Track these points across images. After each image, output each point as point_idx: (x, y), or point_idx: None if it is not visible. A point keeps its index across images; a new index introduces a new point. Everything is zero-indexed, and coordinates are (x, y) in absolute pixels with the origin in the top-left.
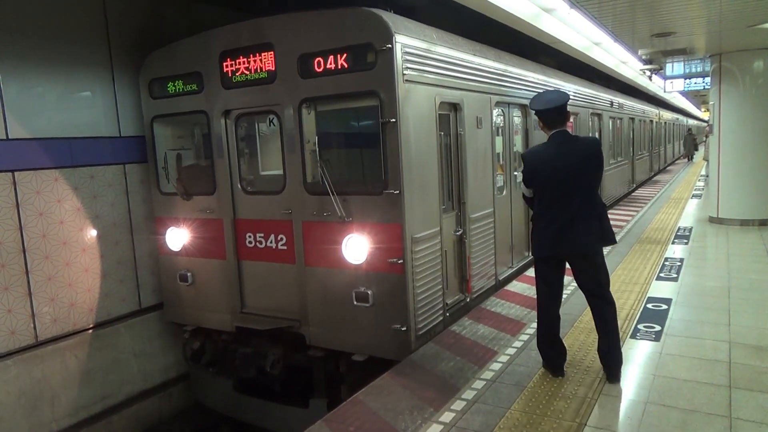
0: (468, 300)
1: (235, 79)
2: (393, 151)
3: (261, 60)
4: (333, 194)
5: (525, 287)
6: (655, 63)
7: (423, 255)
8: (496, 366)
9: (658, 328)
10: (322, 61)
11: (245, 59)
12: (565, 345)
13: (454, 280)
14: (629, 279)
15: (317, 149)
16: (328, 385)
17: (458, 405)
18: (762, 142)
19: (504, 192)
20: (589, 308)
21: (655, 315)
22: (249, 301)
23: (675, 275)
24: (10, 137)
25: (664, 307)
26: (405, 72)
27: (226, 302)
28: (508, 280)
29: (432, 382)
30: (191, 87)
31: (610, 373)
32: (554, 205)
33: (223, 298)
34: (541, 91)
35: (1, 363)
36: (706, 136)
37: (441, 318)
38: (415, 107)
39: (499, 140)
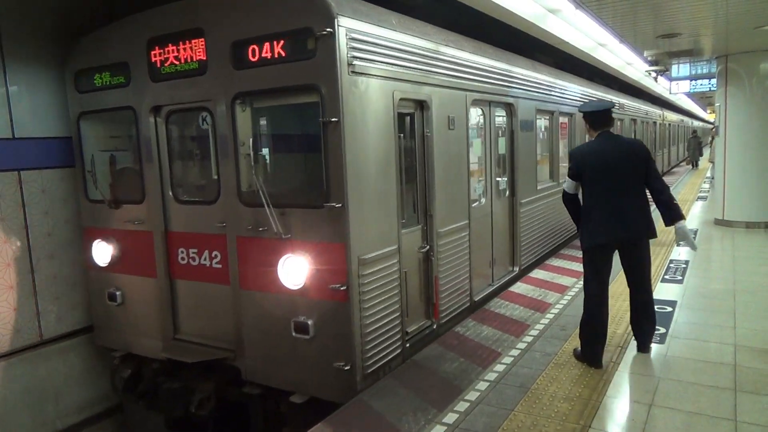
0: (435, 326)
1: (163, 70)
2: (335, 156)
3: (191, 48)
4: (268, 206)
5: (529, 288)
6: (661, 64)
7: (375, 279)
8: (499, 367)
9: (662, 330)
10: (257, 49)
11: (174, 47)
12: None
13: (417, 305)
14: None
15: (251, 153)
16: (268, 427)
17: (462, 406)
18: None
19: (483, 201)
20: None
21: (659, 317)
22: (184, 325)
23: (680, 277)
24: None
25: (669, 309)
26: (351, 62)
27: (158, 326)
28: (488, 298)
29: (435, 383)
30: (118, 79)
31: (645, 345)
32: (605, 196)
33: (155, 321)
34: (531, 88)
35: None
36: (712, 138)
37: (399, 350)
38: (366, 104)
39: (477, 143)
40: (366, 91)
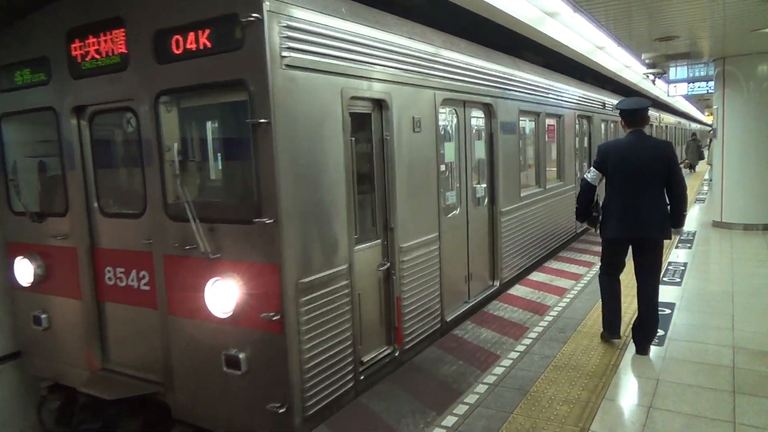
0: (398, 353)
1: (84, 65)
2: (266, 163)
3: (112, 40)
4: (194, 221)
5: (528, 291)
6: (659, 67)
7: (318, 305)
8: (498, 370)
9: (661, 332)
10: (180, 39)
11: (95, 39)
12: (621, 310)
13: (376, 330)
14: (632, 283)
15: (176, 159)
16: None
17: (461, 409)
18: (766, 145)
19: (457, 210)
20: (590, 313)
21: (659, 320)
22: (114, 354)
23: (678, 280)
24: None
25: (668, 311)
26: (285, 54)
27: (85, 354)
28: (464, 317)
29: (434, 385)
30: (39, 77)
31: (643, 348)
32: (622, 192)
33: (82, 348)
34: (513, 88)
35: None
36: (710, 141)
37: (351, 384)
38: (305, 103)
39: (450, 147)
40: (305, 87)
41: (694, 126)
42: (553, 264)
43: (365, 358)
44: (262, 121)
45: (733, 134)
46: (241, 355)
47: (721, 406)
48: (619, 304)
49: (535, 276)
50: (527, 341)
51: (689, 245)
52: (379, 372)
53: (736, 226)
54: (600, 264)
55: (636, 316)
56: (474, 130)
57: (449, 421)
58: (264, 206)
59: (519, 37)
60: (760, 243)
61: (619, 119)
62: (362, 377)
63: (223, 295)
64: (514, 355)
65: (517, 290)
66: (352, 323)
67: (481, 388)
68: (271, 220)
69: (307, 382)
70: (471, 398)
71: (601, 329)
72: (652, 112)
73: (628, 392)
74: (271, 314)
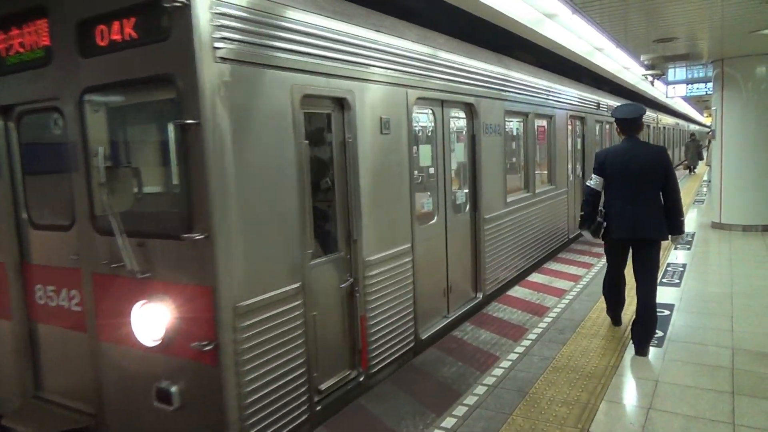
0: (363, 378)
1: (9, 60)
2: (197, 170)
3: (36, 31)
4: (120, 235)
5: (527, 292)
6: (658, 68)
7: (261, 330)
8: (498, 371)
9: (660, 333)
10: (105, 30)
11: (18, 31)
12: (625, 299)
13: (337, 354)
14: (631, 284)
15: (101, 165)
16: None
17: (460, 410)
18: (764, 147)
19: (435, 219)
20: (589, 314)
21: (657, 321)
22: (47, 381)
23: (677, 281)
24: None
25: (667, 312)
26: (219, 45)
27: (17, 381)
28: (443, 333)
29: (434, 387)
30: None
31: (642, 349)
32: (620, 196)
33: (13, 374)
34: (498, 86)
35: None
36: (709, 142)
37: (305, 417)
38: (245, 102)
39: (426, 150)
40: (245, 84)
41: (693, 127)
42: (552, 265)
43: (323, 386)
44: (190, 122)
45: (732, 135)
46: (173, 389)
47: (721, 408)
48: (620, 303)
49: (534, 277)
50: (526, 342)
51: (688, 246)
52: (343, 398)
53: (735, 228)
54: (606, 256)
55: (635, 316)
56: (454, 132)
57: (448, 422)
58: (195, 219)
59: (518, 39)
60: (759, 244)
61: (615, 126)
62: (319, 407)
63: (152, 320)
64: (513, 356)
65: (516, 292)
66: (306, 348)
67: (480, 390)
68: (203, 236)
69: (247, 419)
70: (470, 399)
71: (601, 329)
72: (650, 114)
73: (628, 393)
74: (204, 344)
